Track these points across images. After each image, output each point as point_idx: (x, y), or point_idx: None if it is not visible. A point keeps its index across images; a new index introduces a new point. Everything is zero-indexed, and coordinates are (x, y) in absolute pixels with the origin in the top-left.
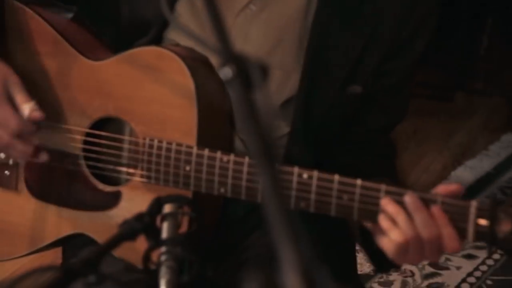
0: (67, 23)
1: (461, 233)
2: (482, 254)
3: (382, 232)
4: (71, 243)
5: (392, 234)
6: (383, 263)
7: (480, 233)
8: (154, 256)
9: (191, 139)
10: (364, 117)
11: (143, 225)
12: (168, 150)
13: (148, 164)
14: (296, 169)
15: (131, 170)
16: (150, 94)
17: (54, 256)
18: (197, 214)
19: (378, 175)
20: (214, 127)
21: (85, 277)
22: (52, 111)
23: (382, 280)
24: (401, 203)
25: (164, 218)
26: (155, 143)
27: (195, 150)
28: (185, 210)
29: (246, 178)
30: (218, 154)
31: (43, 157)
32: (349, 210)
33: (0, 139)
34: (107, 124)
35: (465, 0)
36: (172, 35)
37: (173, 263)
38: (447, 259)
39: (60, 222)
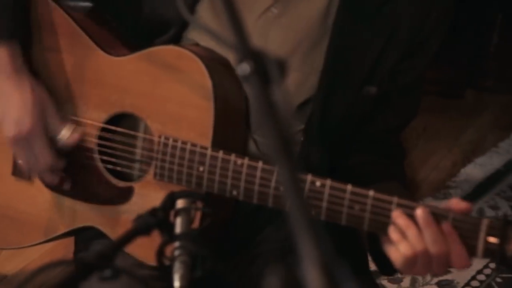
0: (86, 16)
1: (470, 250)
2: None
3: (391, 242)
4: (82, 236)
5: (401, 247)
6: (387, 266)
7: (490, 251)
8: (167, 251)
9: (206, 140)
10: (376, 117)
11: (157, 220)
12: (183, 149)
13: (161, 162)
14: (309, 177)
15: (144, 167)
16: (168, 92)
17: (65, 251)
18: (210, 210)
19: (387, 175)
20: (230, 129)
21: (100, 271)
22: (68, 104)
23: (391, 276)
24: (412, 217)
25: (177, 213)
26: (170, 142)
27: (209, 152)
28: (198, 206)
29: (259, 183)
30: (233, 157)
31: (67, 186)
32: (360, 220)
33: (31, 170)
34: (123, 120)
35: None
36: (192, 35)
37: (187, 258)
38: None
39: (71, 214)
